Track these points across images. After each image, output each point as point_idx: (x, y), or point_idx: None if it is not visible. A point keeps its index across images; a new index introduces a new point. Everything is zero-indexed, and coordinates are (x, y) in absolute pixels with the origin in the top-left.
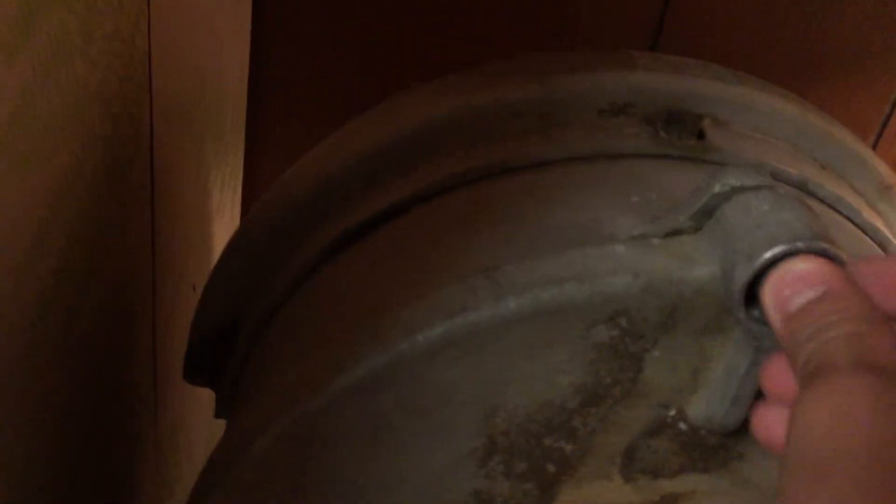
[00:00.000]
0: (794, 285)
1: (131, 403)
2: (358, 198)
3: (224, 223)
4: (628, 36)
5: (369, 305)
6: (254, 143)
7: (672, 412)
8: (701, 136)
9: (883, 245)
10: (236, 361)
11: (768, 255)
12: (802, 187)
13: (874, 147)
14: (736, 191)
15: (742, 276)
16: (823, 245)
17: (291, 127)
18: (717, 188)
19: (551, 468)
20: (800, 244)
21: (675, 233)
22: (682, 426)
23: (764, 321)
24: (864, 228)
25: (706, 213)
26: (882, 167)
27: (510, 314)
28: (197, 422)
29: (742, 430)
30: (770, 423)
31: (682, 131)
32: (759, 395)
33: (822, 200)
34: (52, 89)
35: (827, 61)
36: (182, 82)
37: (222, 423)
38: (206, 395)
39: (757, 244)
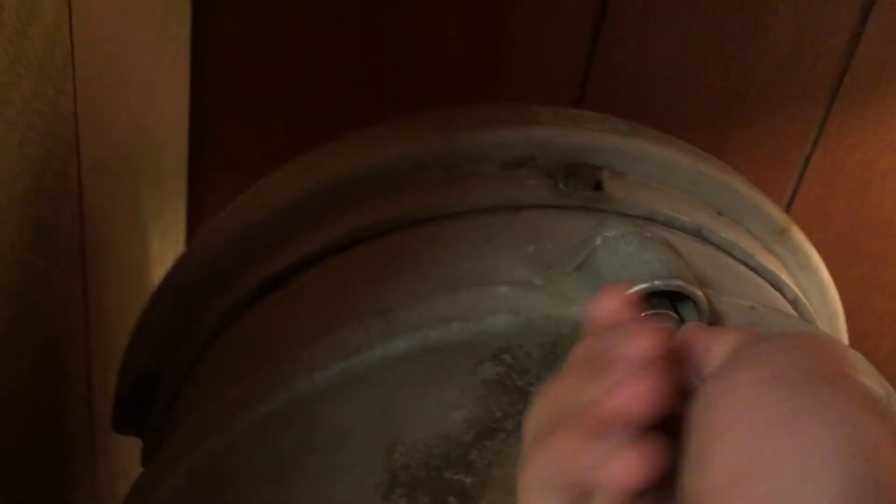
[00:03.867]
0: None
1: (66, 454)
2: (273, 249)
3: (165, 271)
4: (556, 83)
5: (274, 348)
6: (197, 189)
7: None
8: (598, 186)
9: (778, 286)
10: (159, 410)
11: (629, 292)
12: (697, 234)
13: (797, 185)
14: (609, 237)
15: None
16: (678, 282)
17: (234, 171)
18: (598, 241)
19: (453, 501)
20: (657, 282)
21: (556, 276)
22: None
23: None
24: (759, 271)
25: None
26: (777, 212)
27: (401, 353)
28: (139, 468)
29: None
30: None
31: (580, 183)
32: None
33: (717, 246)
34: None
35: (747, 104)
36: (113, 136)
37: None
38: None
39: (621, 283)
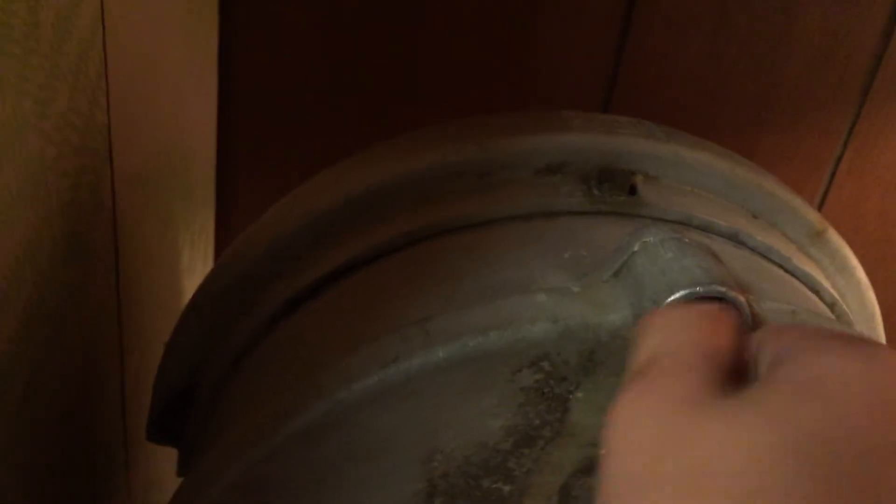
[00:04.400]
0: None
1: (101, 465)
2: (308, 259)
3: (196, 280)
4: (583, 90)
5: (312, 358)
6: (225, 198)
7: (602, 451)
8: (633, 191)
9: (815, 289)
10: (196, 420)
11: (670, 299)
12: (733, 238)
13: (827, 188)
14: (648, 243)
15: None
16: (720, 288)
17: (261, 180)
18: (636, 247)
19: None
20: (699, 288)
21: (594, 283)
22: None
23: None
24: (796, 274)
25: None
26: (813, 215)
27: (440, 362)
28: (172, 478)
29: None
30: None
31: (614, 188)
32: None
33: (753, 249)
34: (6, 166)
35: (777, 106)
36: (145, 147)
37: None
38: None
39: (661, 290)
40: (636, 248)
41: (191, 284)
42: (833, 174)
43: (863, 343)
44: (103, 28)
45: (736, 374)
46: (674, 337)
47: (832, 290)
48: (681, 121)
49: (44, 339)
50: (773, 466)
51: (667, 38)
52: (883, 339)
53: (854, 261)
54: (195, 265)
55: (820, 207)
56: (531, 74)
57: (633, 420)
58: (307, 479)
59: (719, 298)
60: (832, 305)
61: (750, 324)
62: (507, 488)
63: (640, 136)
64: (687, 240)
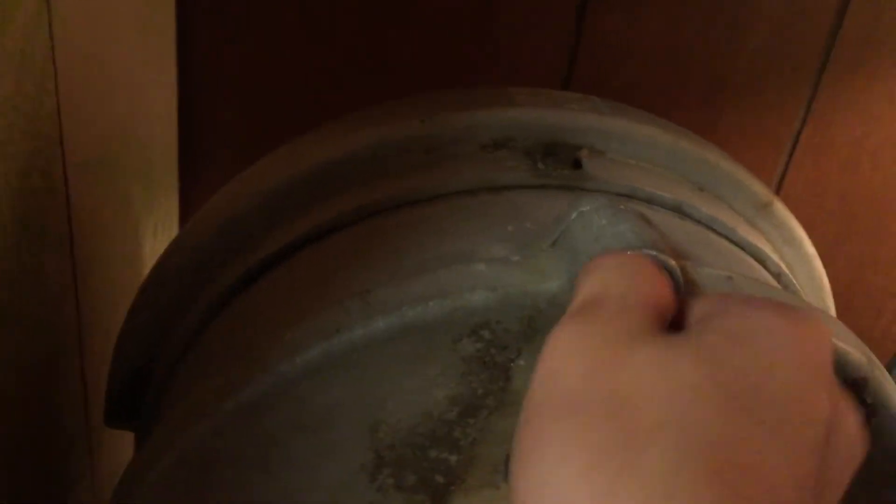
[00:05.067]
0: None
1: (64, 451)
2: (259, 236)
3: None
4: (543, 68)
5: (257, 333)
6: (188, 186)
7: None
8: (577, 165)
9: (761, 259)
10: (151, 401)
11: None
12: (678, 210)
13: (786, 165)
14: (584, 212)
15: None
16: (651, 252)
17: (225, 169)
18: (573, 216)
19: (440, 479)
20: (630, 253)
21: (533, 252)
22: None
23: None
24: (742, 245)
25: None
26: (758, 187)
27: (381, 332)
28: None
29: None
30: None
31: (559, 162)
32: None
33: (698, 221)
34: None
35: (735, 85)
36: (98, 133)
37: None
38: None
39: (595, 255)
40: (573, 217)
41: (143, 273)
42: (792, 151)
43: (793, 307)
44: (49, 10)
45: (670, 326)
46: (614, 280)
47: (779, 261)
48: (640, 98)
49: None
50: (696, 401)
51: (625, 18)
52: (832, 309)
53: (801, 232)
54: (158, 251)
55: (780, 185)
56: (492, 56)
57: (569, 347)
58: (254, 454)
59: (651, 261)
60: (778, 276)
61: (682, 288)
62: (454, 458)
63: (585, 111)
64: (622, 207)
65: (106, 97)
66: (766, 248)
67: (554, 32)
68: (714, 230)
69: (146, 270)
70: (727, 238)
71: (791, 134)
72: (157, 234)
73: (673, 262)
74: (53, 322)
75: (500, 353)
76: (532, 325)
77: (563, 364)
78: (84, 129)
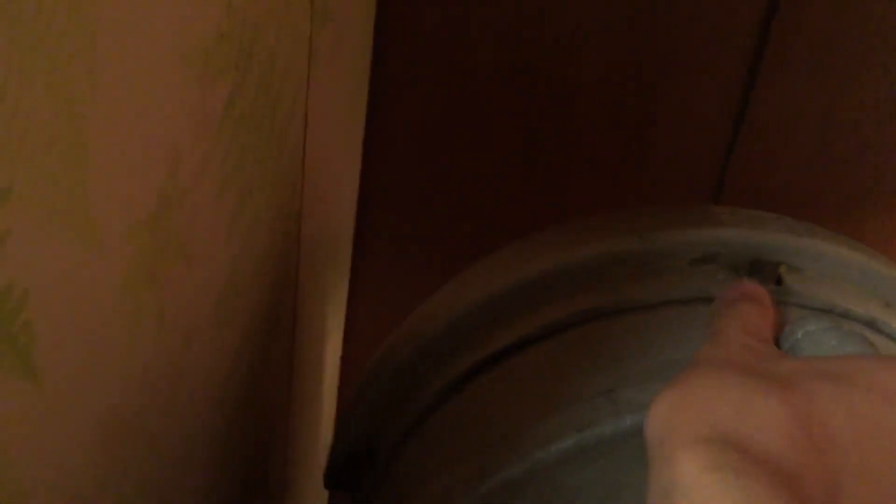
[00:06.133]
0: None
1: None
2: (484, 335)
3: (332, 345)
4: (694, 178)
5: (507, 422)
6: (358, 268)
7: None
8: (779, 281)
9: None
10: (375, 474)
11: None
12: (871, 325)
13: None
14: (811, 332)
15: None
16: None
17: (394, 258)
18: (799, 335)
19: None
20: None
21: None
22: None
23: None
24: None
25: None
26: None
27: (627, 428)
28: None
29: None
30: None
31: (763, 278)
32: None
33: (889, 336)
34: (248, 256)
35: (884, 191)
36: (319, 229)
37: None
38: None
39: None
40: (799, 336)
41: (328, 349)
42: None
43: None
44: (305, 128)
45: None
46: None
47: None
48: (790, 206)
49: (238, 404)
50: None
51: (777, 129)
52: None
53: None
54: (331, 330)
55: None
56: (646, 161)
57: None
58: None
59: None
60: None
61: None
62: None
63: (783, 231)
64: (846, 329)
65: (322, 195)
66: None
67: (708, 144)
68: None
69: (324, 348)
70: None
71: None
72: (335, 315)
73: None
74: (274, 399)
75: None
76: None
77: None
78: (311, 225)
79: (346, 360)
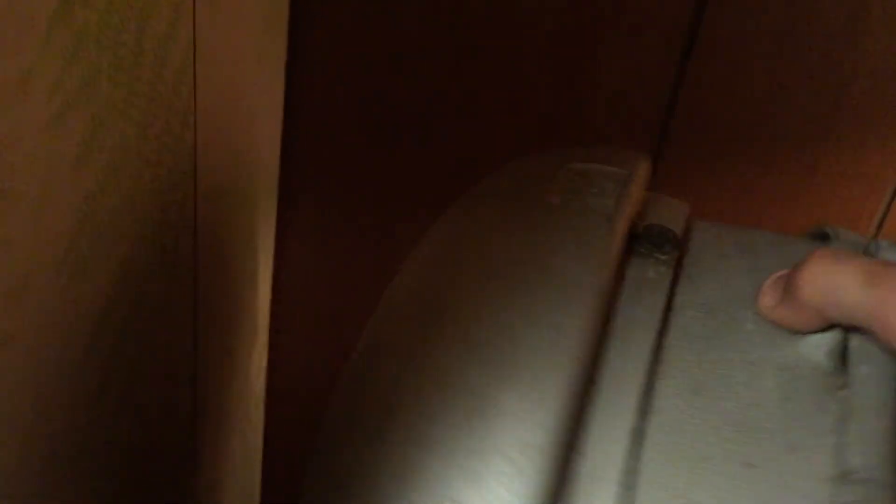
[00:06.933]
0: None
1: (169, 465)
2: None
3: (257, 290)
4: (640, 114)
5: None
6: (283, 209)
7: None
8: None
9: None
10: None
11: None
12: None
13: (888, 205)
14: None
15: None
16: None
17: (319, 194)
18: None
19: None
20: None
21: None
22: None
23: None
24: None
25: None
26: None
27: None
28: (234, 481)
29: None
30: None
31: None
32: None
33: None
34: (112, 192)
35: (837, 128)
36: (221, 164)
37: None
38: (240, 457)
39: None
40: None
41: (252, 293)
42: (894, 194)
43: None
44: (194, 51)
45: None
46: None
47: None
48: (742, 140)
49: (135, 353)
50: None
51: (728, 62)
52: None
53: None
54: (257, 273)
55: (880, 226)
56: (591, 102)
57: None
58: None
59: None
60: None
61: None
62: None
63: None
64: None
65: (229, 129)
66: None
67: (653, 79)
68: None
69: (245, 292)
70: None
71: (894, 177)
72: (259, 254)
73: None
74: (173, 344)
75: None
76: None
77: None
78: (212, 160)
79: (275, 307)
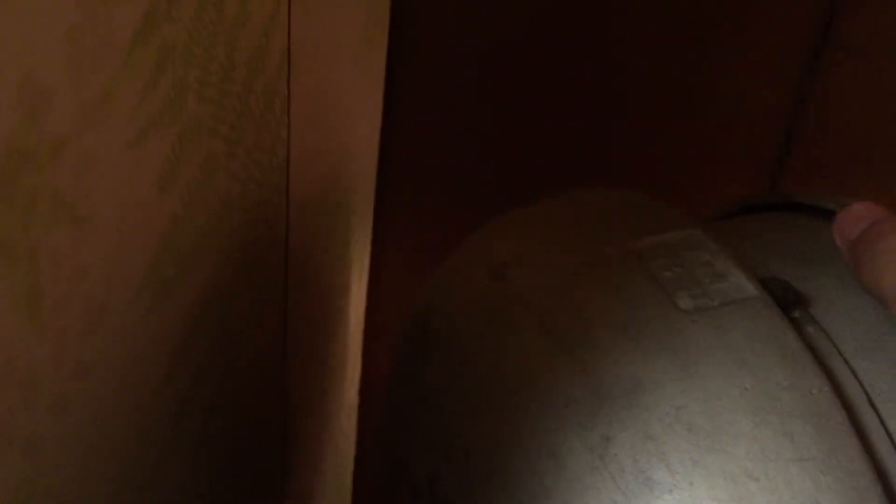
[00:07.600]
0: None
1: (256, 482)
2: None
3: (350, 299)
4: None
5: None
6: (381, 219)
7: None
8: None
9: None
10: None
11: None
12: None
13: None
14: None
15: None
16: None
17: (416, 206)
18: None
19: None
20: None
21: None
22: None
23: None
24: None
25: None
26: None
27: None
28: (322, 493)
29: None
30: None
31: None
32: None
33: None
34: (198, 211)
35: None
36: (316, 176)
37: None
38: (332, 467)
39: None
40: None
41: (344, 303)
42: None
43: None
44: (289, 65)
45: None
46: None
47: None
48: (863, 157)
49: (220, 374)
50: None
51: (856, 70)
52: None
53: None
54: (350, 283)
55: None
56: (708, 107)
57: None
58: None
59: None
60: None
61: None
62: None
63: None
64: None
65: (326, 141)
66: None
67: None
68: None
69: (338, 302)
70: None
71: None
72: (355, 265)
73: None
74: (264, 365)
75: None
76: None
77: None
78: (306, 174)
79: (370, 317)
